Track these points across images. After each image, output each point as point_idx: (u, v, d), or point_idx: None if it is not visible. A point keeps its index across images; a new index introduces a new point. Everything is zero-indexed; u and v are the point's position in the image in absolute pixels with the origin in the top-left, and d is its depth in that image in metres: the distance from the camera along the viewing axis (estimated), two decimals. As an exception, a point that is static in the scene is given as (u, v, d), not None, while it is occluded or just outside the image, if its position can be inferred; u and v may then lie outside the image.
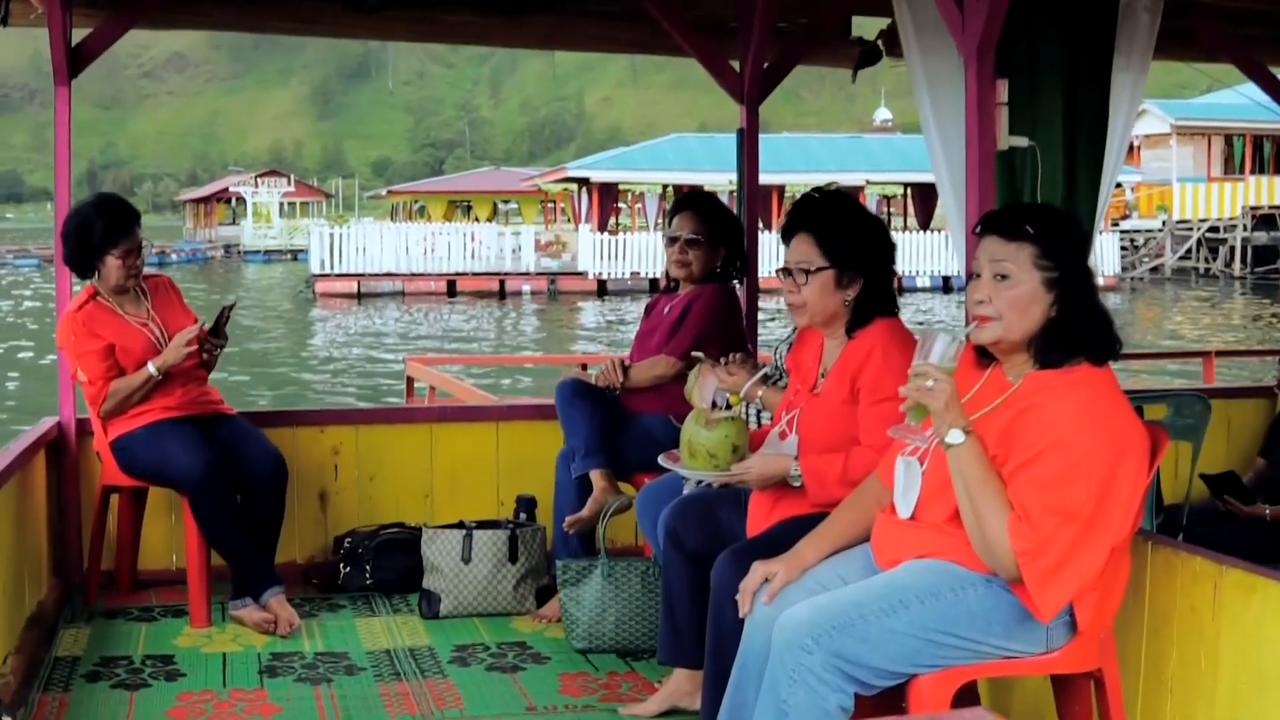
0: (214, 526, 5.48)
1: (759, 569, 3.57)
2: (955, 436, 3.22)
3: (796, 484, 3.96)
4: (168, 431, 5.54)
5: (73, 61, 5.80)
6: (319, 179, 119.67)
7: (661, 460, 4.24)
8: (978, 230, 3.46)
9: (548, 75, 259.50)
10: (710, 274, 5.78)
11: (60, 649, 5.21)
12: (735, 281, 5.91)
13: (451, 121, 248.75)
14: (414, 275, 41.13)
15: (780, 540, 3.86)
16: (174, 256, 66.83)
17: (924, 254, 42.76)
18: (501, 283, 41.68)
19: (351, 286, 40.58)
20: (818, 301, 4.05)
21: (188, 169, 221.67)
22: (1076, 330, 3.32)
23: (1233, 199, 46.49)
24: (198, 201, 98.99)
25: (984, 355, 3.48)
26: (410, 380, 10.65)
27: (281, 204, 78.49)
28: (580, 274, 42.20)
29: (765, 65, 6.41)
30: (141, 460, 5.57)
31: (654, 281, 40.96)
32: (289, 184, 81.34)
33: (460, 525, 5.80)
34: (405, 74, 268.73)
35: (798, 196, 4.93)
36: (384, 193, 79.35)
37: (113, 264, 5.58)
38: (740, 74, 6.43)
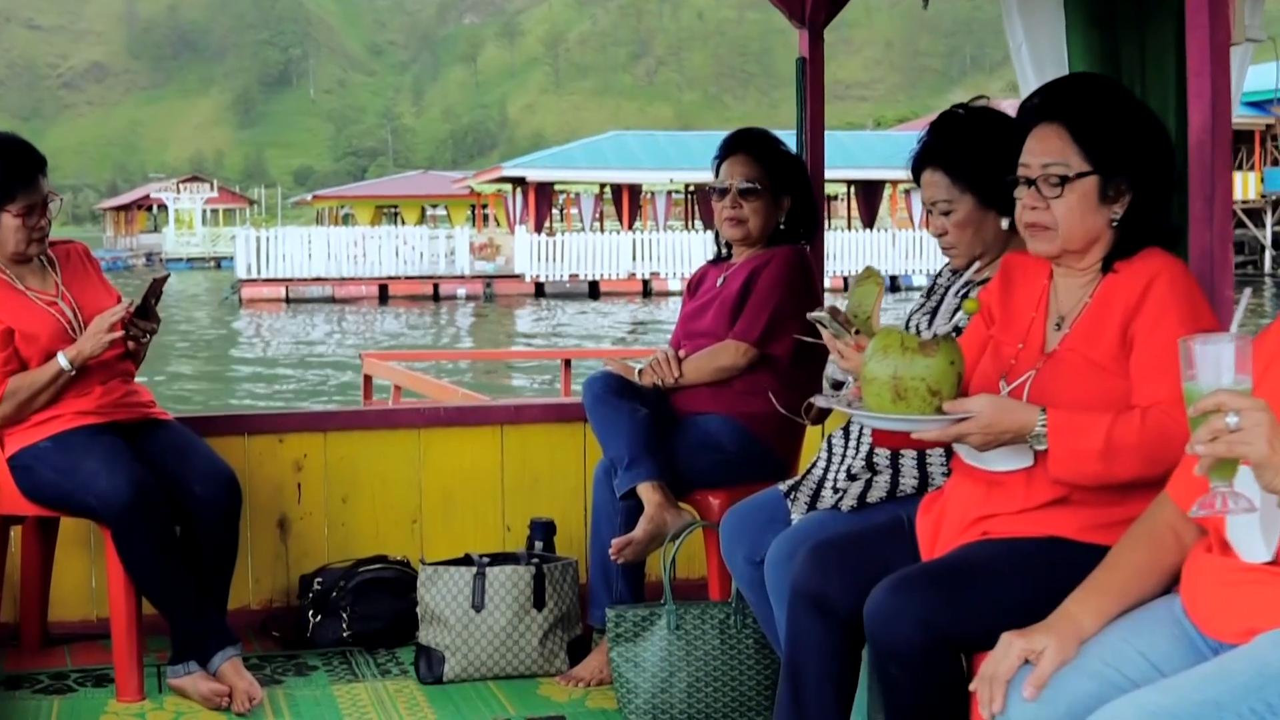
0: (145, 569, 4.14)
1: (1015, 645, 2.30)
2: None
3: (1040, 446, 2.65)
4: (83, 444, 4.20)
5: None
6: (240, 188, 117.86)
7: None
8: None
9: (470, 83, 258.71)
10: (774, 233, 4.54)
11: (-60, 738, 3.89)
12: (804, 241, 4.67)
13: (374, 129, 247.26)
14: (345, 280, 40.24)
15: (973, 568, 2.64)
16: (93, 265, 65.51)
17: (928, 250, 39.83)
18: (435, 286, 40.86)
19: (279, 292, 39.58)
20: (1076, 220, 2.77)
21: (108, 180, 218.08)
22: None
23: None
24: (119, 209, 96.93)
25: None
26: (368, 379, 9.23)
27: (204, 211, 77.04)
28: (517, 277, 41.38)
29: (831, -17, 5.20)
30: (48, 482, 4.22)
31: (593, 284, 40.15)
32: (212, 190, 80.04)
33: (467, 560, 4.49)
34: (326, 82, 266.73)
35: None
36: (309, 198, 77.93)
37: (10, 224, 4.28)
38: (801, -8, 5.21)
